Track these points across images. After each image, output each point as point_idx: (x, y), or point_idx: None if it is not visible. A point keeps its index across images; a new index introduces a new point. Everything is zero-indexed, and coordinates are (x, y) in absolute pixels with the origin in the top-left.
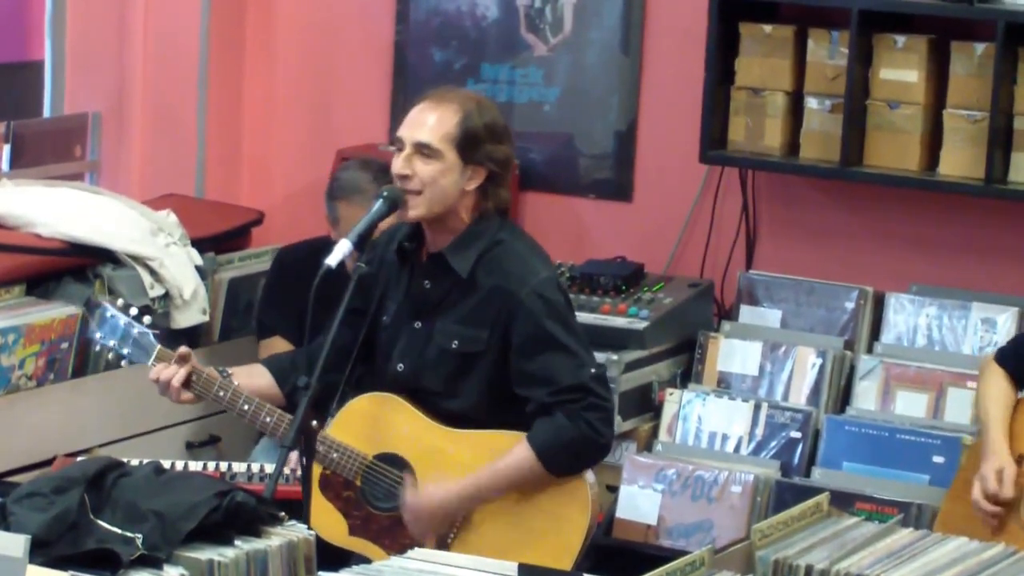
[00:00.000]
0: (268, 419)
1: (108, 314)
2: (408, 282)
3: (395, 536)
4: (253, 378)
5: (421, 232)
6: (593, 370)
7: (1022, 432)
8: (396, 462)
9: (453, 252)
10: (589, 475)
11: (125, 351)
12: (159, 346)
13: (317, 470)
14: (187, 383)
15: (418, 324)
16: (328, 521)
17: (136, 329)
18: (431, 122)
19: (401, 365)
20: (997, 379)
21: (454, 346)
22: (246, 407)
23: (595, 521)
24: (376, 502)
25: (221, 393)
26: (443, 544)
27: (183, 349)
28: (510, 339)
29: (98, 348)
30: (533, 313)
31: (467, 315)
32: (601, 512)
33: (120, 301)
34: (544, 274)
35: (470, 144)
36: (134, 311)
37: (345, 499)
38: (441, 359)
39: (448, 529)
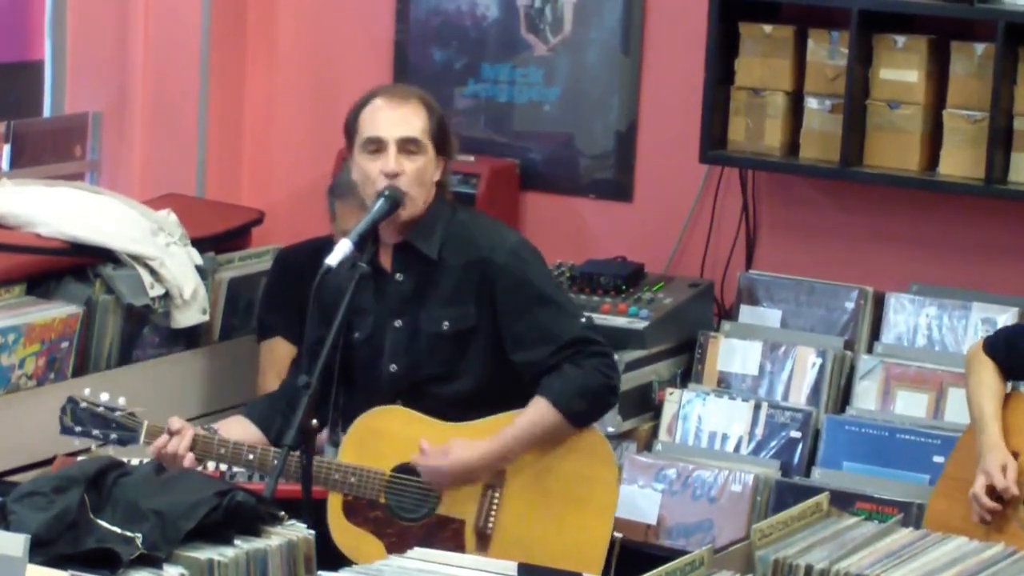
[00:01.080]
0: (276, 461)
1: (81, 406)
2: (376, 287)
3: (433, 542)
4: (237, 431)
5: (364, 240)
6: (582, 319)
7: (1016, 428)
8: (415, 470)
9: (418, 237)
10: (599, 430)
11: (113, 436)
12: (146, 422)
13: (338, 499)
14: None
15: (398, 322)
16: (363, 546)
17: (117, 413)
18: (410, 118)
19: (394, 366)
20: (988, 372)
21: (445, 328)
22: (251, 456)
23: (620, 473)
24: (406, 514)
25: (222, 451)
26: (483, 534)
27: (177, 420)
28: (496, 305)
29: (77, 443)
30: (514, 274)
31: (449, 295)
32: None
33: (87, 390)
34: (514, 237)
35: (442, 136)
36: (104, 396)
37: (374, 520)
38: (435, 345)
39: (460, 483)
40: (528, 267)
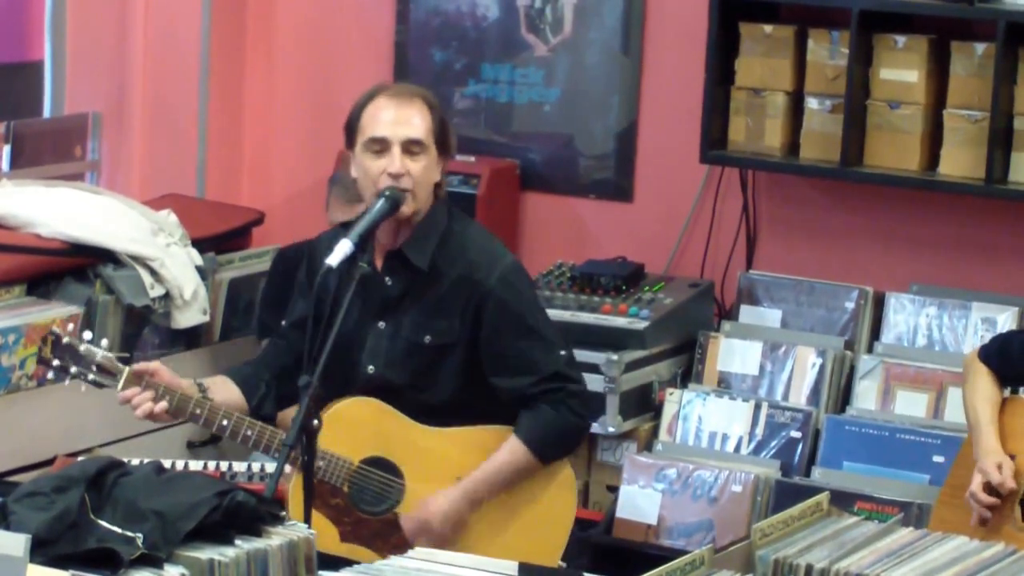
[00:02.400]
0: (249, 432)
1: (64, 341)
2: (362, 285)
3: (387, 539)
4: (225, 391)
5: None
6: (563, 352)
7: (1012, 432)
8: (384, 465)
9: (411, 247)
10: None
11: (90, 377)
12: (127, 369)
13: (301, 479)
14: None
15: (381, 324)
16: (317, 528)
17: (99, 355)
18: (415, 119)
19: (371, 367)
20: (983, 378)
21: (427, 340)
22: (224, 422)
23: (578, 498)
24: (365, 507)
25: (197, 411)
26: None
27: (153, 365)
28: (481, 327)
29: (66, 383)
30: (502, 300)
31: (434, 307)
32: (601, 511)
33: (70, 327)
34: (507, 259)
35: (443, 136)
36: (88, 334)
37: (333, 506)
38: (412, 353)
39: (454, 535)
40: (518, 295)
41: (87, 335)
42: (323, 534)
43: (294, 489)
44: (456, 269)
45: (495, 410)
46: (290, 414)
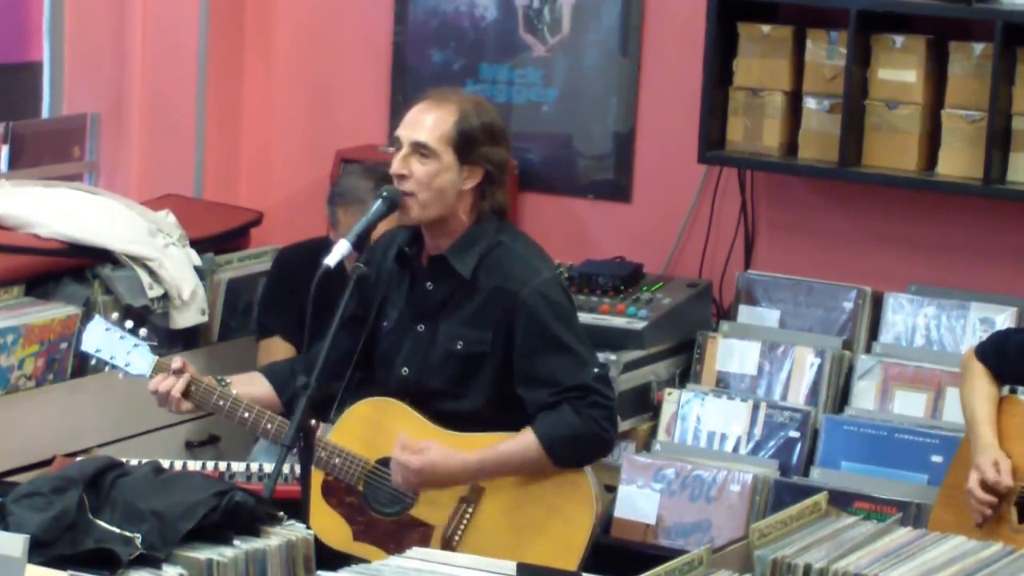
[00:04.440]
0: (269, 426)
1: (103, 327)
2: (410, 286)
3: (400, 540)
4: (252, 386)
5: (421, 236)
6: (596, 370)
7: (1008, 432)
8: None
9: (454, 254)
10: (589, 472)
11: (122, 364)
12: (157, 358)
13: (319, 476)
14: (186, 393)
15: (421, 327)
16: (331, 526)
17: (132, 341)
18: (429, 122)
19: (406, 369)
20: (981, 377)
21: (459, 348)
22: (246, 415)
23: (599, 519)
24: (379, 507)
25: (220, 402)
26: (449, 544)
27: (179, 359)
28: (513, 339)
29: (94, 362)
30: (535, 313)
31: (470, 316)
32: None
33: (115, 315)
34: (546, 274)
35: (467, 144)
36: (129, 323)
37: (348, 505)
38: (446, 361)
39: (425, 490)
40: (551, 309)
41: (128, 323)
42: (337, 532)
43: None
44: (494, 280)
45: (524, 423)
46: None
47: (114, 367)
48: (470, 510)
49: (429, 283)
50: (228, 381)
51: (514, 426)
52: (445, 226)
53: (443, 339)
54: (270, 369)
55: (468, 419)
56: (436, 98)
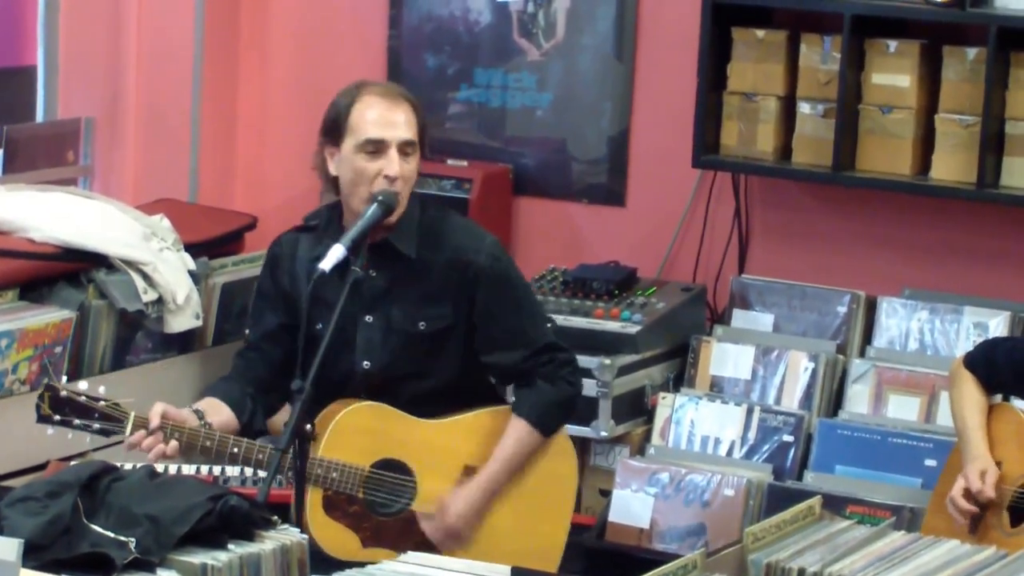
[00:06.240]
0: (260, 456)
1: (62, 395)
2: (348, 280)
3: (408, 537)
4: (220, 415)
5: (337, 235)
6: (548, 324)
7: (998, 438)
8: (394, 466)
9: (398, 237)
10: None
11: (95, 427)
12: (133, 414)
13: (318, 494)
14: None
15: (369, 318)
16: (339, 539)
17: (100, 403)
18: (404, 119)
19: (367, 363)
20: (970, 386)
21: (422, 328)
22: (235, 450)
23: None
24: (382, 509)
25: (207, 444)
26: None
27: (156, 412)
28: (474, 305)
29: (70, 436)
30: (497, 277)
31: (425, 295)
32: (594, 515)
33: (64, 379)
34: (490, 238)
35: (425, 134)
36: (83, 385)
37: (352, 515)
38: (410, 344)
39: (477, 532)
40: (507, 270)
41: (82, 384)
42: (345, 543)
43: (312, 506)
44: (444, 254)
45: (487, 391)
46: (279, 420)
47: (85, 431)
48: None
49: (372, 272)
50: (203, 411)
51: (479, 398)
52: (398, 218)
53: (401, 323)
54: (224, 392)
55: (435, 397)
56: (390, 94)
